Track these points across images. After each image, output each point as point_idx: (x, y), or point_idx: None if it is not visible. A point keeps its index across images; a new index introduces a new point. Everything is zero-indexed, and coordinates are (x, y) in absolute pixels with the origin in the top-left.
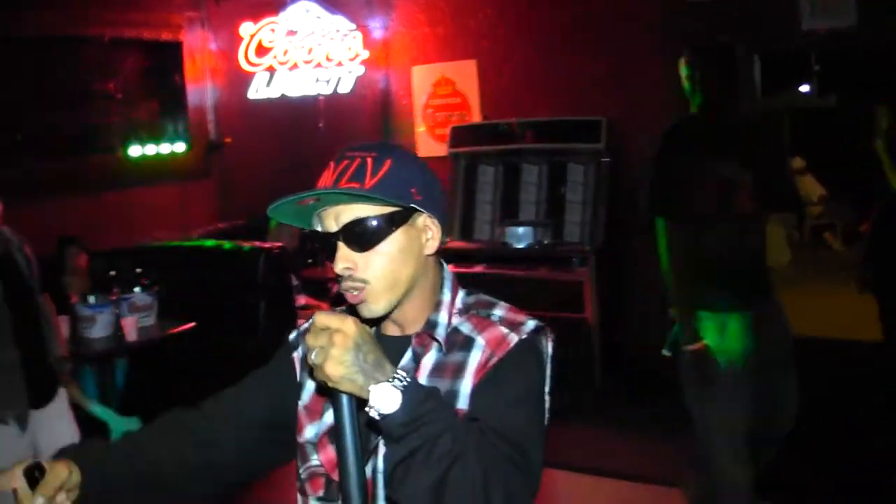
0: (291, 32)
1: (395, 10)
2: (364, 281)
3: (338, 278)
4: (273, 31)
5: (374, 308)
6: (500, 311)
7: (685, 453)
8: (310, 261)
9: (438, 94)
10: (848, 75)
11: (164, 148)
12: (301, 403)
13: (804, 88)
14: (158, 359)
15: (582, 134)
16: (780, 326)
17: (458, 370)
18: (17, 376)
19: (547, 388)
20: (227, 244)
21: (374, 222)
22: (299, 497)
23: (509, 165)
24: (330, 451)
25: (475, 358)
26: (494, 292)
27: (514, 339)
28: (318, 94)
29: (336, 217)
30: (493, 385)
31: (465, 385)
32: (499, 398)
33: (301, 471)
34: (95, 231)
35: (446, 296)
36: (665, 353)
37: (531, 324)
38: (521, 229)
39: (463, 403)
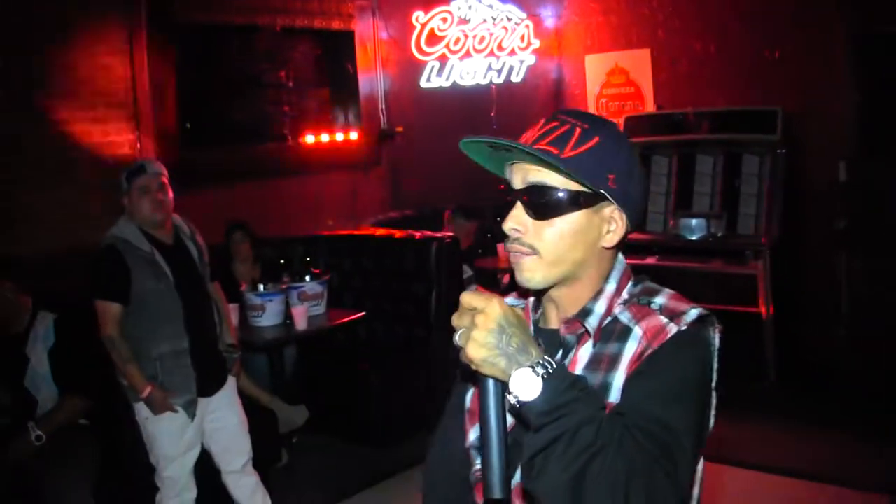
0: (463, 21)
1: None
2: (531, 247)
3: (505, 238)
4: (445, 20)
5: (529, 277)
6: (662, 298)
7: (859, 451)
8: (480, 251)
9: (612, 84)
10: None
11: (336, 137)
12: (465, 407)
13: None
14: (329, 347)
15: (757, 125)
16: None
17: (613, 362)
18: (188, 364)
19: (713, 384)
20: (398, 233)
21: (558, 195)
22: None
23: (683, 156)
24: None
25: (631, 349)
26: (666, 284)
27: (672, 329)
28: (490, 84)
29: (524, 175)
30: (645, 378)
31: (619, 378)
32: (649, 393)
33: (470, 476)
34: (268, 219)
35: (611, 285)
36: None
37: (693, 313)
38: (694, 221)
39: (615, 397)
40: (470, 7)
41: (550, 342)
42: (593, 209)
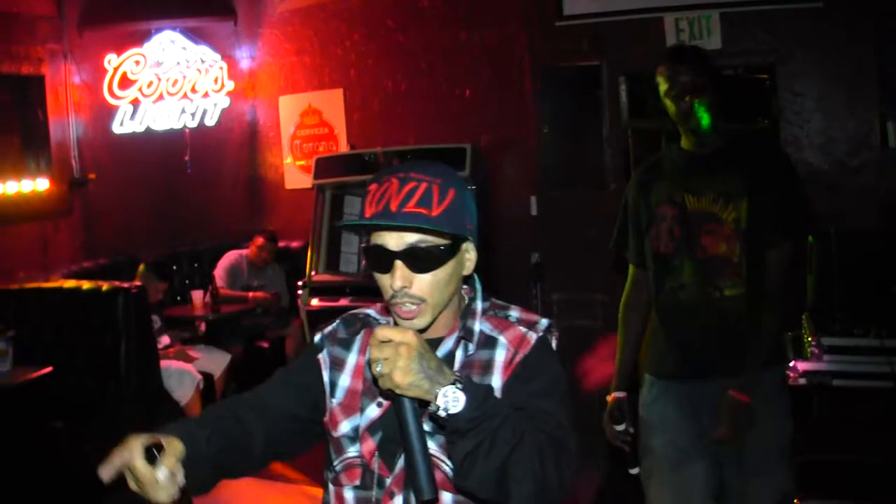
0: (157, 64)
1: (261, 39)
2: (421, 299)
3: (390, 295)
4: (138, 62)
5: (419, 323)
6: (514, 312)
7: None
8: (178, 298)
9: (306, 125)
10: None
11: (25, 185)
12: (335, 401)
13: None
14: (17, 406)
15: (448, 162)
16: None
17: (486, 366)
18: None
19: None
20: (86, 284)
21: (436, 250)
22: (331, 487)
23: None
24: (370, 443)
25: (500, 355)
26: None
27: (533, 337)
28: (185, 127)
29: (399, 238)
30: (524, 380)
31: (496, 380)
32: (531, 391)
33: (336, 463)
34: None
35: (477, 306)
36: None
37: (544, 322)
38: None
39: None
40: (163, 49)
41: None
42: (459, 251)
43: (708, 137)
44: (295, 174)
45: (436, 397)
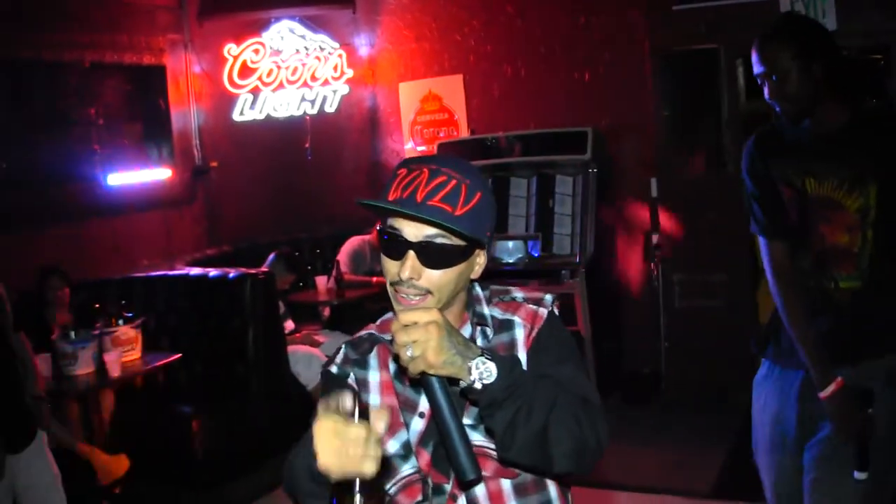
0: (276, 52)
1: (380, 26)
2: (427, 290)
3: (395, 281)
4: (257, 51)
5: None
6: (518, 293)
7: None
8: (301, 284)
9: (426, 110)
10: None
11: (149, 174)
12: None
13: None
14: (146, 391)
15: (569, 145)
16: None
17: (510, 347)
18: None
19: None
20: (212, 271)
21: (452, 248)
22: None
23: (498, 179)
24: (426, 455)
25: (520, 334)
26: None
27: (543, 311)
28: (305, 114)
29: (418, 229)
30: (542, 351)
31: (521, 357)
32: (551, 362)
33: (390, 487)
34: (79, 262)
35: (479, 292)
36: None
37: (549, 297)
38: (510, 243)
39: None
40: (282, 38)
41: None
42: (473, 255)
43: (825, 117)
44: None
45: (469, 371)
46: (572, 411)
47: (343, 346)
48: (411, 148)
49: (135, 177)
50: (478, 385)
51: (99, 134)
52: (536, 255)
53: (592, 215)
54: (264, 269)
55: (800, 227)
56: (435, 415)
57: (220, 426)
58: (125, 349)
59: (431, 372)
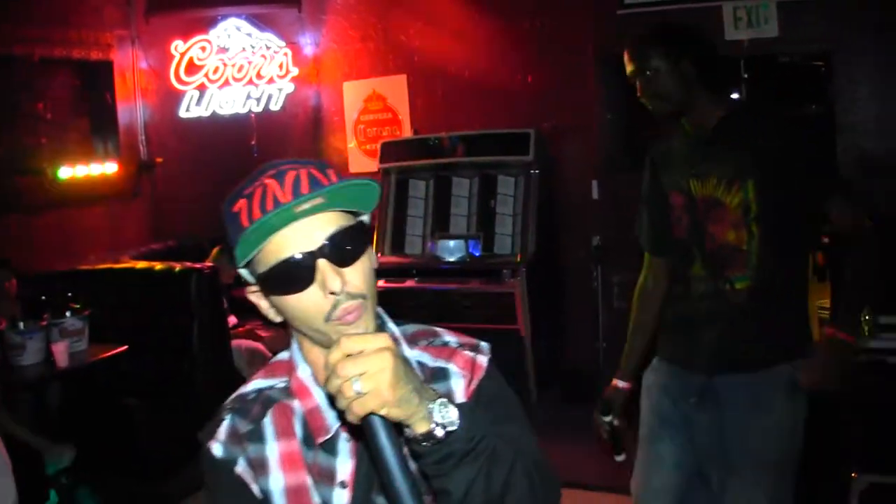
0: (222, 50)
1: (325, 25)
2: (363, 295)
3: (327, 311)
4: (204, 49)
5: (368, 326)
6: (448, 336)
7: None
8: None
9: (369, 110)
10: (774, 83)
11: (95, 168)
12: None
13: (734, 95)
14: (92, 383)
15: (511, 146)
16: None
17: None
18: None
19: None
20: (158, 265)
21: (354, 231)
22: None
23: (440, 179)
24: None
25: (458, 385)
26: (427, 306)
27: (483, 360)
28: (250, 112)
29: (309, 235)
30: (484, 406)
31: None
32: (495, 417)
33: None
34: (26, 254)
35: (395, 330)
36: None
37: (485, 344)
38: (452, 242)
39: None
40: (229, 36)
41: None
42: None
43: (697, 117)
44: (359, 158)
45: (429, 414)
46: (529, 477)
47: (224, 413)
48: (354, 147)
49: (82, 171)
50: (438, 432)
51: (47, 128)
52: (477, 254)
53: (534, 216)
54: (209, 263)
55: (693, 231)
56: (380, 471)
57: (165, 419)
58: (72, 340)
59: (382, 412)
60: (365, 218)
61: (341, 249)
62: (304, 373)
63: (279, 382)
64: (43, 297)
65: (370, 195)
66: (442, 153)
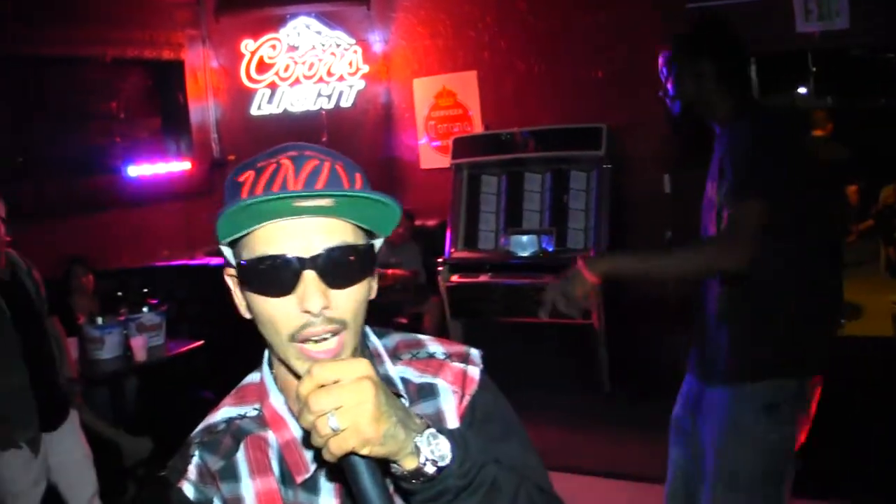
0: (292, 48)
1: (394, 23)
2: (343, 322)
3: (297, 327)
4: (274, 47)
5: (341, 354)
6: (434, 346)
7: None
8: None
9: (440, 106)
10: (843, 76)
11: (168, 167)
12: None
13: (801, 90)
14: (169, 377)
15: (583, 141)
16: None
17: (436, 421)
18: (29, 400)
19: None
20: None
21: (357, 252)
22: None
23: (512, 175)
24: None
25: (449, 401)
26: (500, 301)
27: (474, 371)
28: (321, 109)
29: (307, 238)
30: (480, 425)
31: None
32: (492, 436)
33: None
34: (102, 251)
35: (377, 344)
36: None
37: (475, 351)
38: (524, 238)
39: None
40: (299, 34)
41: None
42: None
43: (710, 121)
44: (430, 154)
45: (416, 450)
46: (529, 494)
47: (192, 449)
48: (425, 143)
49: (154, 169)
50: (429, 469)
51: (120, 127)
52: (550, 249)
53: (606, 210)
54: None
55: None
56: None
57: None
58: (150, 335)
59: (364, 451)
60: (377, 242)
61: (336, 267)
62: (276, 401)
63: (250, 410)
64: (119, 293)
65: (388, 217)
66: (513, 148)
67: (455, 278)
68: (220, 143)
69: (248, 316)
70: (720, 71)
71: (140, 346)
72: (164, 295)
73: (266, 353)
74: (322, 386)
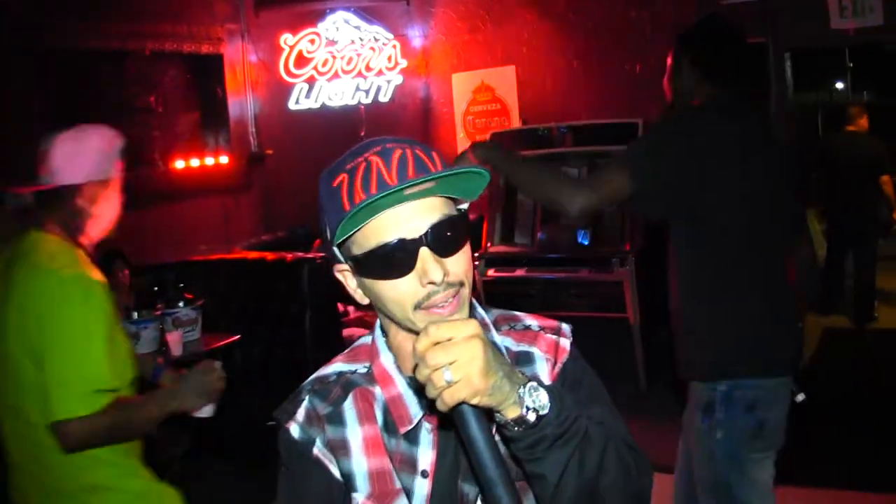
0: (331, 43)
1: (433, 17)
2: (460, 282)
3: (420, 298)
4: (312, 41)
5: (461, 314)
6: (530, 320)
7: None
8: None
9: (478, 101)
10: (879, 71)
11: (207, 161)
12: (361, 496)
13: (839, 85)
14: None
15: (620, 136)
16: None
17: None
18: None
19: None
20: (270, 256)
21: (458, 220)
22: None
23: None
24: None
25: (543, 368)
26: (536, 295)
27: (565, 342)
28: (359, 104)
29: (412, 220)
30: (570, 389)
31: None
32: (580, 399)
33: None
34: (139, 245)
35: (484, 314)
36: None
37: (566, 326)
38: (561, 232)
39: None
40: (338, 29)
41: None
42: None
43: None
44: None
45: (520, 400)
46: (622, 460)
47: (303, 394)
48: (463, 138)
49: (193, 163)
50: (531, 417)
51: (158, 120)
52: (586, 243)
53: None
54: (321, 254)
55: None
56: (472, 459)
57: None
58: (186, 330)
59: (474, 401)
60: (465, 206)
61: (444, 238)
62: (386, 360)
63: (360, 367)
64: (156, 288)
65: (479, 184)
66: (551, 143)
67: (492, 272)
68: (258, 137)
69: (365, 302)
70: (694, 64)
71: (176, 340)
72: (201, 290)
73: (378, 321)
74: (437, 343)
